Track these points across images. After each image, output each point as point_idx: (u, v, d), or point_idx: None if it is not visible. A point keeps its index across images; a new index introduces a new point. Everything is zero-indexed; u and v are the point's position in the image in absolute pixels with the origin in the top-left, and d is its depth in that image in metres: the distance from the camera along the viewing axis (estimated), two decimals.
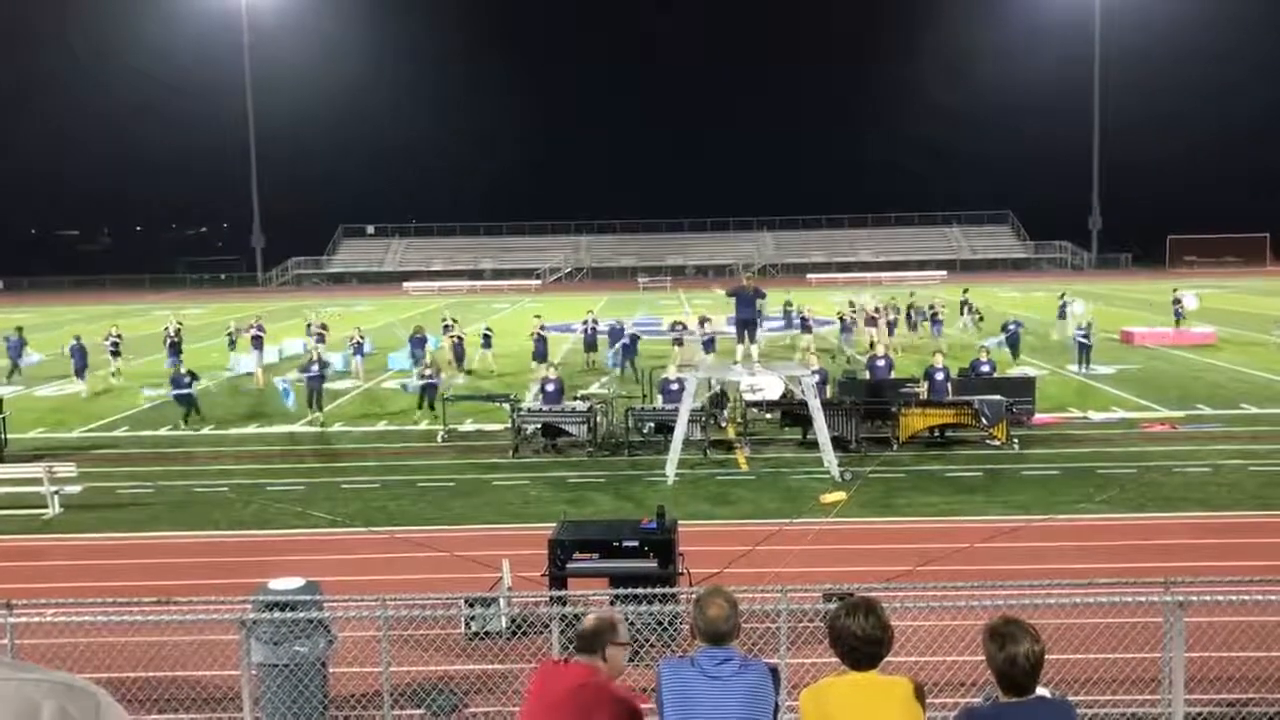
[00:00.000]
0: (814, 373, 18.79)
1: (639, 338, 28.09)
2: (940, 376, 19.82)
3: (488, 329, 31.20)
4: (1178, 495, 15.07)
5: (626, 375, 27.05)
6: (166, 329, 31.03)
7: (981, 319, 35.85)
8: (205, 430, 21.51)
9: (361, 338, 29.27)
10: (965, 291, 38.72)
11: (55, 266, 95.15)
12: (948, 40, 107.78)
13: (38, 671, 1.33)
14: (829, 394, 19.99)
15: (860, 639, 4.01)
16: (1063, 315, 34.67)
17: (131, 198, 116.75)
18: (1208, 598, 7.75)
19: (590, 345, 30.34)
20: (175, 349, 29.27)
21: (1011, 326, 28.26)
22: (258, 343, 29.03)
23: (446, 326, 31.11)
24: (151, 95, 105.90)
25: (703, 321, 33.25)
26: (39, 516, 15.03)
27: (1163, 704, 7.86)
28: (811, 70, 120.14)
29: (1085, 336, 27.22)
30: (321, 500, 15.79)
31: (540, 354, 27.61)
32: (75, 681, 1.34)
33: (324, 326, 33.04)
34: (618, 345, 28.13)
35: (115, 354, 29.92)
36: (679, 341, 30.01)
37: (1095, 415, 21.26)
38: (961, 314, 36.30)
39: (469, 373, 28.86)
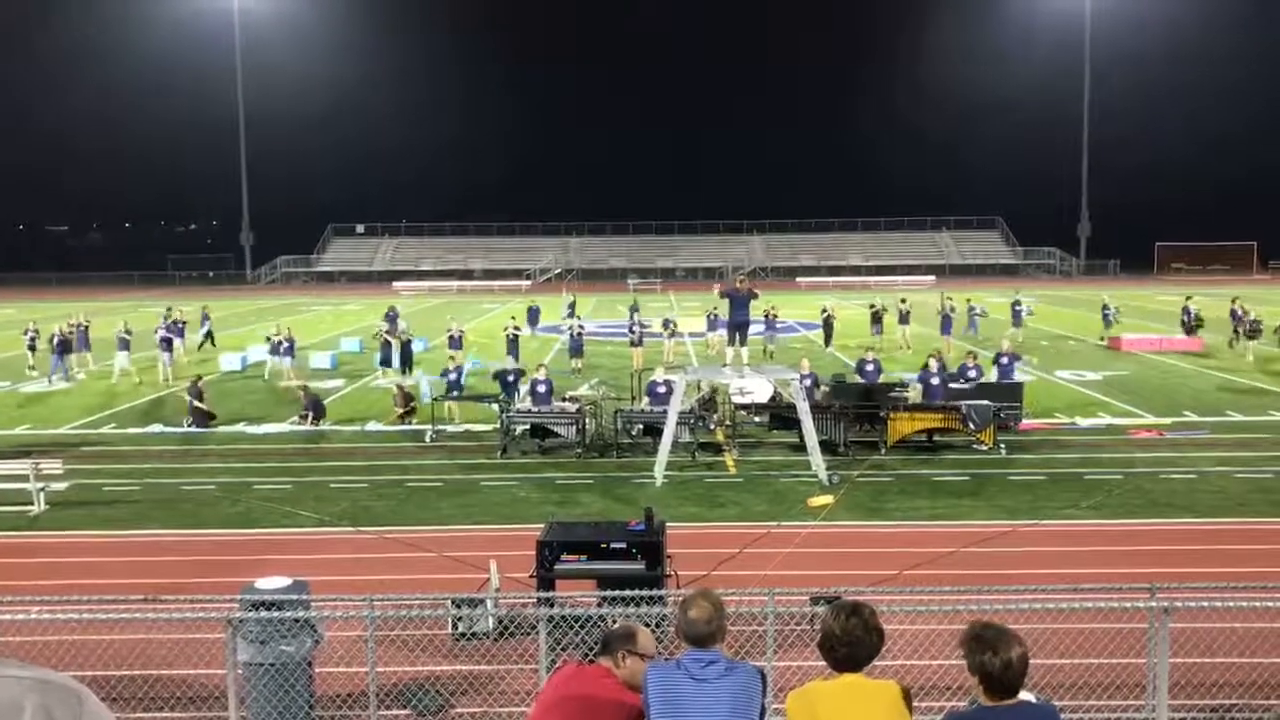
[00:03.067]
0: (805, 377, 18.80)
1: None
2: (935, 381, 19.84)
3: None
4: (1164, 501, 15.14)
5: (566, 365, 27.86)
6: (61, 328, 28.84)
7: (1201, 324, 34.10)
8: (193, 428, 21.41)
9: (290, 338, 28.23)
10: (1188, 299, 36.50)
11: (44, 262, 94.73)
12: (938, 46, 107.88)
13: (17, 668, 1.31)
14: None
15: (839, 639, 4.01)
16: (1107, 322, 35.29)
17: (121, 194, 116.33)
18: (1192, 604, 7.79)
19: (576, 349, 30.22)
20: (65, 347, 28.00)
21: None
22: (167, 344, 28.29)
23: (455, 337, 29.19)
24: (143, 92, 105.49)
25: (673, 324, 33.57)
26: (25, 513, 14.96)
27: (1147, 709, 7.89)
28: (803, 75, 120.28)
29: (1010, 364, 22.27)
30: (309, 500, 15.74)
31: (513, 353, 27.73)
32: (56, 678, 1.33)
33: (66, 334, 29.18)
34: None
35: (32, 349, 30.07)
36: (637, 342, 29.96)
37: (1083, 421, 21.34)
38: (1185, 317, 34.60)
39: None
